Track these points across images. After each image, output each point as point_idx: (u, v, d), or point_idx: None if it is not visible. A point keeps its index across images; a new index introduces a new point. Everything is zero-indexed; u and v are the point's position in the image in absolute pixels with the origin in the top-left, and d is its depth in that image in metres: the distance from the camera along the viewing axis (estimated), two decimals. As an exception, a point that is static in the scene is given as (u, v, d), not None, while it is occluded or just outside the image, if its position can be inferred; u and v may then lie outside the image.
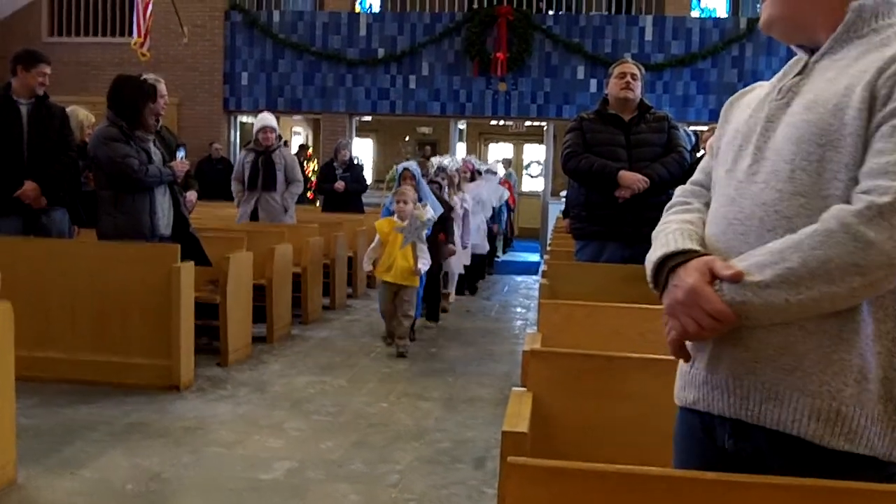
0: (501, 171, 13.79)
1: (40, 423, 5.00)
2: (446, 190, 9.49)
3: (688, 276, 1.70)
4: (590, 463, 1.73)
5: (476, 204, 11.04)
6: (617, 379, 2.83)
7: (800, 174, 1.64)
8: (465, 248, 10.21)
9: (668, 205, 2.04)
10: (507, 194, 14.08)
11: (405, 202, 7.31)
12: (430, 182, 8.78)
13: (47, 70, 6.42)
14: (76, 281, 5.87)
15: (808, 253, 1.56)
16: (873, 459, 1.61)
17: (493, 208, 12.72)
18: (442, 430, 5.30)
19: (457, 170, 10.54)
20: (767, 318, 1.63)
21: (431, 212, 7.42)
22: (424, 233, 7.20)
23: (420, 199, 7.54)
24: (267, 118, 9.14)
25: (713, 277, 1.67)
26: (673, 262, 1.76)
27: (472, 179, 11.62)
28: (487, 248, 12.16)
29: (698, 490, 1.63)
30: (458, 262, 9.98)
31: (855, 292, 1.55)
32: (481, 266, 12.52)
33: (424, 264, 7.31)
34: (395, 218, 7.38)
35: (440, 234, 8.29)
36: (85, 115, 7.20)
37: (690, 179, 2.06)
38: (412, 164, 8.11)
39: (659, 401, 2.58)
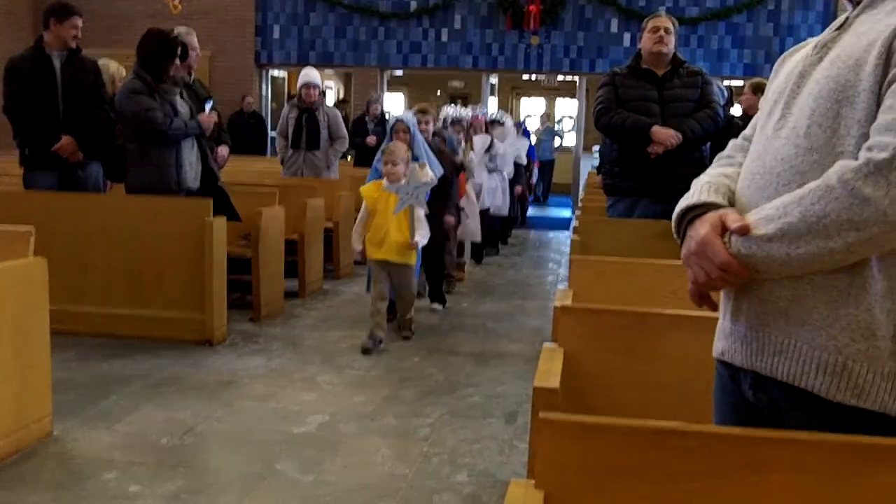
0: (510, 122, 11.51)
1: (76, 377, 5.07)
2: (462, 147, 8.34)
3: (701, 227, 1.73)
4: (621, 418, 1.73)
5: (491, 161, 9.95)
6: (648, 336, 2.82)
7: (815, 129, 1.64)
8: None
9: (717, 157, 2.05)
10: (526, 147, 12.44)
11: (394, 163, 5.89)
12: (435, 135, 7.42)
13: (80, 23, 6.42)
14: (110, 235, 5.92)
15: (808, 208, 1.56)
16: (884, 416, 1.61)
17: (521, 165, 11.78)
18: (473, 384, 5.32)
19: (469, 121, 9.32)
20: (774, 272, 1.65)
21: (431, 173, 6.23)
22: (423, 195, 5.92)
23: (416, 158, 6.30)
24: (310, 74, 9.08)
25: (724, 230, 1.70)
26: (692, 213, 1.79)
27: (488, 132, 10.07)
28: (507, 210, 10.80)
29: (730, 446, 1.63)
30: (475, 229, 8.71)
31: (852, 248, 1.54)
32: (500, 230, 11.58)
33: (423, 236, 6.01)
34: (383, 182, 6.02)
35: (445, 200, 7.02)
36: (116, 68, 7.20)
37: (742, 133, 2.05)
38: (407, 115, 6.82)
39: (690, 358, 2.58)
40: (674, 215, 1.86)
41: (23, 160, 6.50)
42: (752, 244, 1.64)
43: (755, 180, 1.76)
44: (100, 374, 5.17)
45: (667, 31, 5.35)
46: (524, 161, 11.96)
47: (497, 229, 11.28)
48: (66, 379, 4.93)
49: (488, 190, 9.83)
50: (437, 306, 7.42)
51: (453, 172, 7.30)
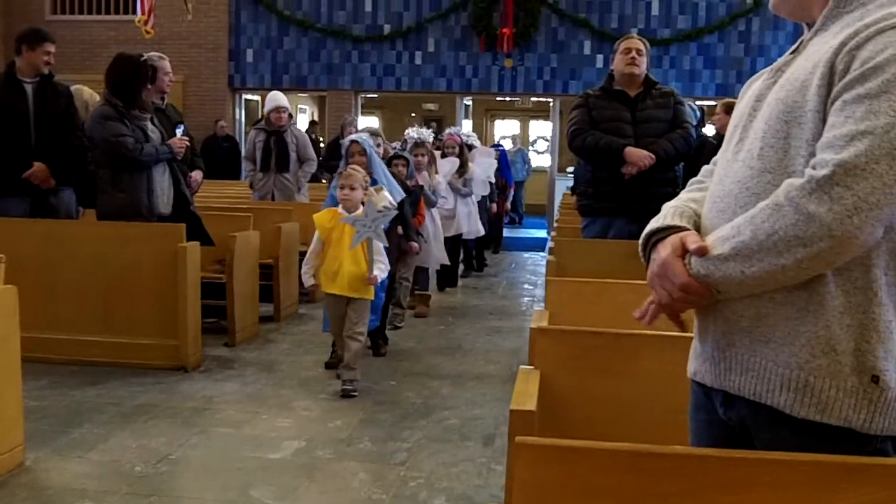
0: (479, 144, 11.15)
1: (48, 405, 5.01)
2: (425, 170, 7.86)
3: (663, 249, 1.78)
4: (598, 441, 1.74)
5: (465, 184, 9.38)
6: (625, 356, 2.83)
7: (768, 151, 1.69)
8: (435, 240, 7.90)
9: (689, 182, 2.09)
10: (494, 167, 11.37)
11: (351, 188, 5.40)
12: (395, 158, 7.04)
13: (52, 48, 6.39)
14: (83, 262, 5.87)
15: (758, 226, 1.61)
16: (850, 431, 1.63)
17: (491, 184, 11.13)
18: (450, 407, 5.30)
19: (432, 142, 8.55)
20: (733, 291, 1.69)
21: (389, 197, 5.72)
22: (382, 227, 5.36)
23: (374, 182, 5.83)
24: (278, 98, 9.09)
25: (685, 251, 1.73)
26: (656, 237, 1.84)
27: (461, 155, 9.43)
28: (481, 232, 10.16)
29: (709, 468, 1.64)
30: (438, 255, 8.02)
31: (802, 264, 1.57)
32: (476, 254, 11.38)
33: (382, 270, 5.49)
34: (339, 209, 5.51)
35: (398, 228, 6.44)
36: (90, 94, 7.16)
37: (714, 158, 2.08)
38: (362, 136, 6.34)
39: (666, 378, 2.57)
40: (640, 239, 1.90)
41: (-6, 187, 6.44)
42: (710, 264, 1.67)
43: (716, 203, 1.80)
44: (72, 402, 5.11)
45: (639, 52, 5.39)
46: (493, 179, 11.28)
47: (472, 252, 11.17)
48: (38, 407, 4.87)
49: (463, 215, 9.34)
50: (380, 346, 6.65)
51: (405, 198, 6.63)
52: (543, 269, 6.54)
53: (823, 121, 1.61)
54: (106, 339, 5.82)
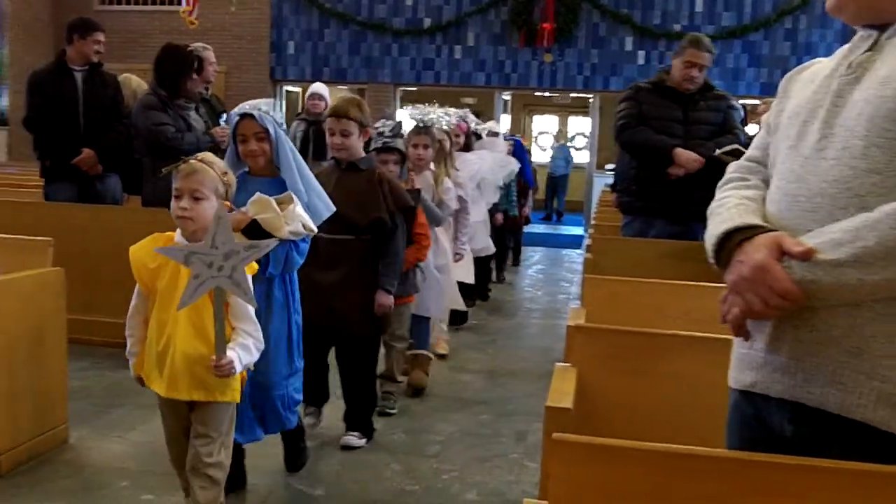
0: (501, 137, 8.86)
1: (91, 386, 5.11)
2: (427, 169, 5.54)
3: (755, 251, 1.64)
4: (635, 441, 1.70)
5: (476, 188, 6.88)
6: (661, 357, 2.82)
7: (874, 151, 1.58)
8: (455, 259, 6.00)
9: (723, 181, 1.98)
10: (515, 168, 8.67)
11: (195, 197, 3.11)
12: (383, 151, 4.76)
13: (102, 38, 6.52)
14: (126, 247, 5.92)
15: (886, 232, 1.50)
16: None
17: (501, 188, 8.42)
18: (483, 402, 5.32)
19: (446, 132, 5.96)
20: (837, 298, 1.58)
21: (304, 217, 3.36)
22: (248, 275, 2.85)
23: (277, 187, 3.48)
24: (317, 86, 9.16)
25: (781, 254, 1.61)
26: (739, 236, 1.71)
27: (468, 147, 7.21)
28: (491, 249, 7.89)
29: (745, 471, 1.61)
30: (439, 301, 5.64)
31: None
32: (484, 275, 8.66)
33: (246, 350, 2.91)
34: (176, 235, 3.18)
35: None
36: (138, 83, 7.24)
37: (746, 155, 2.01)
38: (261, 106, 3.61)
39: (703, 380, 2.58)
40: (711, 238, 1.79)
41: (43, 172, 6.58)
42: (819, 270, 1.56)
43: (799, 203, 1.69)
44: (113, 383, 5.20)
45: (701, 68, 5.29)
46: (503, 182, 8.38)
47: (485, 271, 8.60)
48: (80, 388, 4.97)
49: (474, 224, 6.73)
50: (355, 440, 4.45)
51: (401, 217, 4.40)
52: (579, 267, 6.54)
53: None
54: (146, 324, 5.90)
